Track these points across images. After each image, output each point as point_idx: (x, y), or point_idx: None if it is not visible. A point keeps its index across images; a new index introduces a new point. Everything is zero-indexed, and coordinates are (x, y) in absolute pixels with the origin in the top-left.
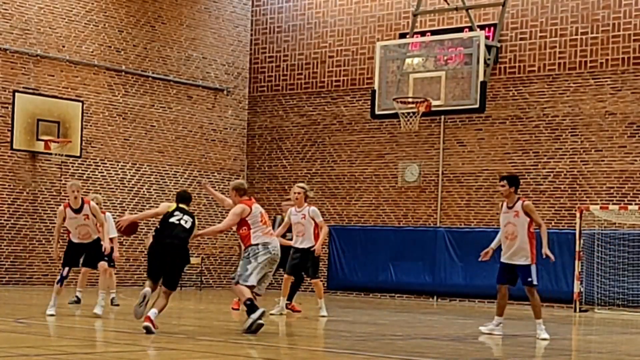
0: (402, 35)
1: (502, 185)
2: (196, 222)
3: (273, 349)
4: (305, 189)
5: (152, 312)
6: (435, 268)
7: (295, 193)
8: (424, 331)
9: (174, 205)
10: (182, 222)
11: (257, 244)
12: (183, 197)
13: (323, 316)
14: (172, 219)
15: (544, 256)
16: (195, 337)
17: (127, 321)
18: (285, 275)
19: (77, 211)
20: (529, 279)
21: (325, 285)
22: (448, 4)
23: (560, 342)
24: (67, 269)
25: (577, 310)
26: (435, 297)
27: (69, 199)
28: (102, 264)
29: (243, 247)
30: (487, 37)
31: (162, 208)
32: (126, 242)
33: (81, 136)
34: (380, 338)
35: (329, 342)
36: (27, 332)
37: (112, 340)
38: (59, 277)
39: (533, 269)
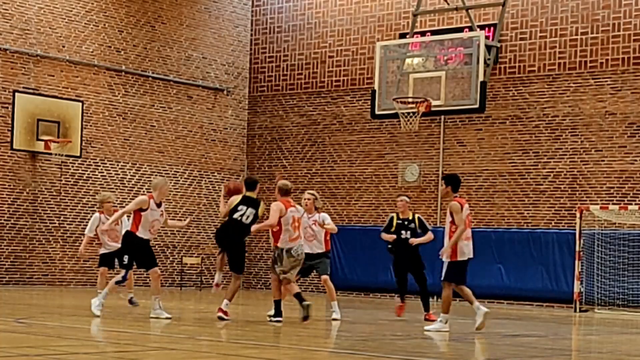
0: (402, 35)
1: (442, 185)
2: (260, 210)
3: (273, 349)
4: (316, 196)
5: (224, 303)
6: (436, 268)
7: (305, 200)
8: (424, 331)
9: (239, 197)
10: (244, 218)
11: (282, 249)
12: (248, 184)
13: (335, 319)
14: (235, 214)
15: (439, 255)
16: (195, 337)
17: (127, 321)
18: None
19: (159, 205)
20: (440, 275)
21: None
22: (448, 4)
23: (560, 342)
24: (130, 271)
25: (577, 310)
26: (435, 297)
27: (154, 192)
28: (155, 270)
29: (272, 244)
30: (487, 37)
31: (230, 200)
32: None
33: (81, 136)
34: (381, 338)
35: (329, 342)
36: (27, 332)
37: (112, 340)
38: (120, 278)
39: (446, 265)
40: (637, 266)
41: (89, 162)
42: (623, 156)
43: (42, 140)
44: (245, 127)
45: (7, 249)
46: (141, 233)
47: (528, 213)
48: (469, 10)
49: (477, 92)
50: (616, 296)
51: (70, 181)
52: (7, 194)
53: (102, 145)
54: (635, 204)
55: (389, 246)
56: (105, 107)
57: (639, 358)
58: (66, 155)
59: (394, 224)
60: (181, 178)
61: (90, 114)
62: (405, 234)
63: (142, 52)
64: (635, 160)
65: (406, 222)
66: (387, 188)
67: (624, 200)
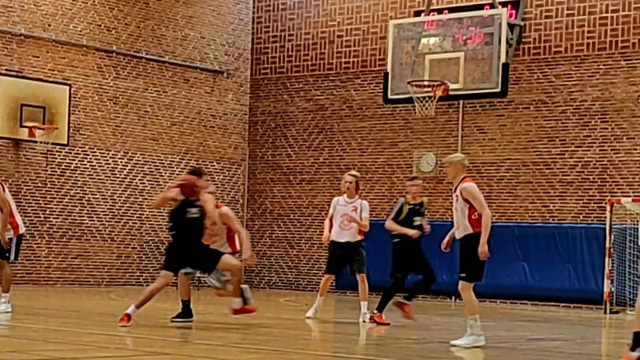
0: (417, 13)
1: None
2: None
3: (278, 354)
4: (358, 177)
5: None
6: (454, 266)
7: (347, 182)
8: (441, 334)
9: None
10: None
11: None
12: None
13: (364, 321)
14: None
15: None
16: (192, 341)
17: (117, 323)
18: (327, 275)
19: None
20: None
21: (334, 284)
22: None
23: (589, 347)
24: None
25: (608, 311)
26: (453, 298)
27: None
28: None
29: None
30: (509, 15)
31: None
32: (124, 240)
33: (68, 122)
34: (394, 342)
35: (339, 346)
36: (9, 336)
37: (101, 344)
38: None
39: None
40: None
41: (77, 150)
42: None
43: (26, 127)
44: (246, 113)
45: None
46: None
47: (554, 206)
48: None
49: (499, 74)
50: None
51: (56, 171)
52: None
53: (91, 132)
54: None
55: (396, 240)
56: (94, 90)
57: None
58: (52, 144)
59: (405, 210)
60: (177, 168)
61: (79, 98)
62: (418, 221)
63: (134, 31)
64: None
65: (417, 207)
66: (401, 179)
67: None
